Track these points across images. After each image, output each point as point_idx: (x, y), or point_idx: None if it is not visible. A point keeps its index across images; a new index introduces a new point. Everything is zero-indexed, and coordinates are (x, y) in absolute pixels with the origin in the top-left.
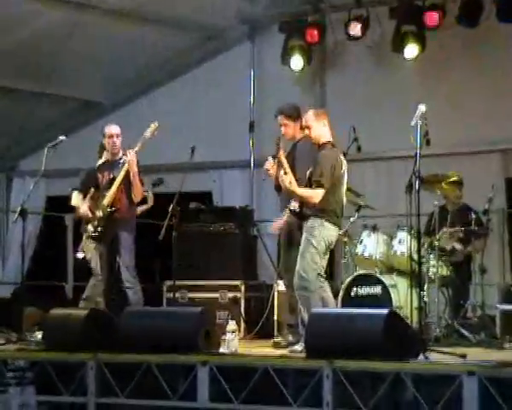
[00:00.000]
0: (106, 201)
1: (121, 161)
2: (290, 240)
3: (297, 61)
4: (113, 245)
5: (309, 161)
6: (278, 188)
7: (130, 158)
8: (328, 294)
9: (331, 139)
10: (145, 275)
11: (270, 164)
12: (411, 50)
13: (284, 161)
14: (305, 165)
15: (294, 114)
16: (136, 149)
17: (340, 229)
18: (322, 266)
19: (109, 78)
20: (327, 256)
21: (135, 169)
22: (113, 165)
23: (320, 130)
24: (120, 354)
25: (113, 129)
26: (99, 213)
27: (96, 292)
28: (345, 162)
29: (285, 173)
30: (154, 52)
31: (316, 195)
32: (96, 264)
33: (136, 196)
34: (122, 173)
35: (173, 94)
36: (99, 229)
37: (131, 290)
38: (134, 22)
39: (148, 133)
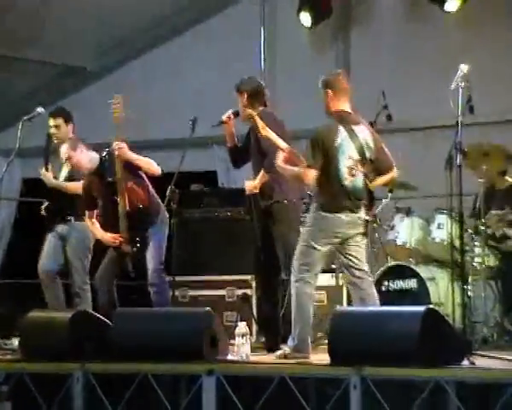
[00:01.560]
0: (121, 205)
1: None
2: None
3: (318, 16)
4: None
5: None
6: (234, 151)
7: (117, 148)
8: (309, 290)
9: (339, 108)
10: (139, 270)
11: (227, 116)
12: (453, 2)
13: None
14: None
15: (238, 86)
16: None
17: (348, 212)
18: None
19: (94, 39)
20: (324, 248)
21: (130, 155)
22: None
23: (324, 100)
24: (112, 364)
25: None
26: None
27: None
28: (343, 132)
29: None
30: (146, 9)
31: (306, 174)
32: None
33: (151, 170)
34: (119, 171)
35: (169, 57)
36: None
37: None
38: None
39: (115, 113)
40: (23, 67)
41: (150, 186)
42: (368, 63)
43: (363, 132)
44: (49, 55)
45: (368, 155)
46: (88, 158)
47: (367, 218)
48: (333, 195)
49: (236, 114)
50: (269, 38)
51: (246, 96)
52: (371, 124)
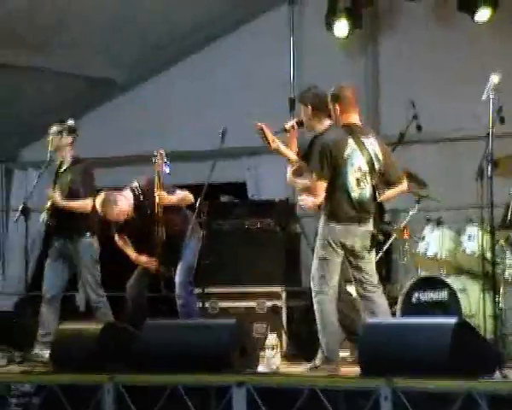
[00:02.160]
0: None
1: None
2: None
3: (347, 26)
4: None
5: None
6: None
7: (159, 198)
8: (330, 302)
9: (349, 121)
10: (169, 281)
11: (290, 124)
12: (483, 13)
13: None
14: None
15: (304, 99)
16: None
17: (355, 224)
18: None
19: (123, 52)
20: (335, 258)
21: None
22: None
23: (334, 115)
24: (142, 375)
25: None
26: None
27: None
28: (352, 144)
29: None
30: (174, 21)
31: (315, 187)
32: None
33: (184, 200)
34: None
35: (198, 69)
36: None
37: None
38: None
39: (158, 167)
40: (53, 79)
41: (184, 208)
42: (397, 73)
43: (373, 144)
44: (78, 67)
45: (377, 166)
46: (127, 202)
47: (374, 231)
48: (341, 206)
49: (300, 123)
50: (297, 49)
51: (310, 107)
52: (401, 134)
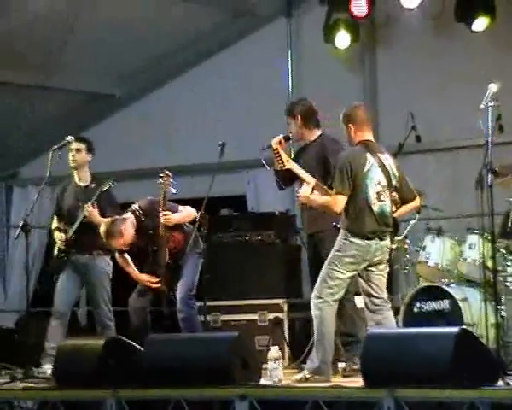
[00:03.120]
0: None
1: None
2: None
3: (343, 38)
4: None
5: (317, 167)
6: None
7: (164, 219)
8: (332, 314)
9: (364, 138)
10: (171, 295)
11: (277, 140)
12: (480, 22)
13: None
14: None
15: (292, 112)
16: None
17: (377, 239)
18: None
19: (122, 66)
20: (350, 273)
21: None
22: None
23: (348, 135)
24: (144, 390)
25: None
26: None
27: None
28: (371, 159)
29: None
30: (172, 35)
31: (335, 201)
32: None
33: (188, 218)
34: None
35: (197, 83)
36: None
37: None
38: (149, 1)
39: (164, 188)
40: (48, 96)
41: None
42: (395, 84)
43: (388, 160)
44: (77, 82)
45: (394, 182)
46: (131, 230)
47: (392, 246)
48: (362, 219)
49: (287, 138)
50: (296, 61)
51: (299, 118)
52: (400, 145)
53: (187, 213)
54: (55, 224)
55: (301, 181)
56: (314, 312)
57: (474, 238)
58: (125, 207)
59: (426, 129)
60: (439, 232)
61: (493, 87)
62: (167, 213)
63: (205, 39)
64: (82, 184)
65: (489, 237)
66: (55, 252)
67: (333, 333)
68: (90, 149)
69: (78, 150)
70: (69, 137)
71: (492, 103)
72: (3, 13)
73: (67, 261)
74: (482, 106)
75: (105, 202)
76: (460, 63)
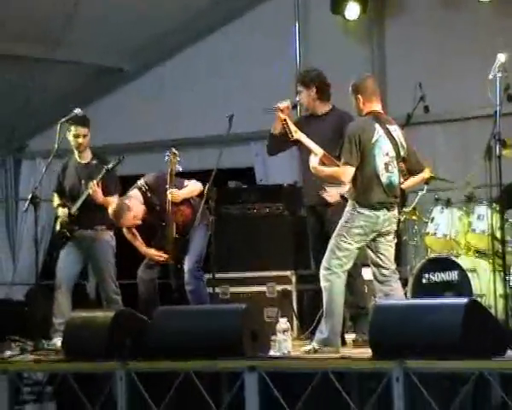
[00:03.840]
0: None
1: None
2: None
3: (352, 9)
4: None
5: (333, 138)
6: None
7: (172, 196)
8: (342, 285)
9: (372, 109)
10: (179, 268)
11: (285, 105)
12: None
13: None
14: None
15: (307, 81)
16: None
17: (384, 209)
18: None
19: (130, 40)
20: (359, 244)
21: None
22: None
23: (357, 106)
24: (154, 362)
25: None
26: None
27: None
28: (379, 130)
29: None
30: (181, 6)
31: (344, 172)
32: None
33: (194, 192)
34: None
35: (205, 55)
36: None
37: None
38: None
39: (171, 166)
40: (59, 69)
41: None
42: (403, 55)
43: (397, 131)
44: (84, 56)
45: (402, 153)
46: (139, 206)
47: (400, 217)
48: (370, 190)
49: (294, 106)
50: (303, 34)
51: (315, 89)
52: (408, 116)
53: (193, 187)
54: (56, 201)
55: (308, 151)
56: (323, 283)
57: (482, 209)
58: (133, 180)
59: (434, 100)
60: (448, 203)
61: (502, 57)
62: (174, 190)
63: (212, 12)
64: (83, 161)
65: (497, 208)
66: (58, 228)
67: (342, 304)
68: (89, 128)
69: (85, 136)
70: (77, 110)
71: (501, 74)
72: None
73: (70, 237)
74: (491, 76)
75: (109, 181)
76: (468, 34)
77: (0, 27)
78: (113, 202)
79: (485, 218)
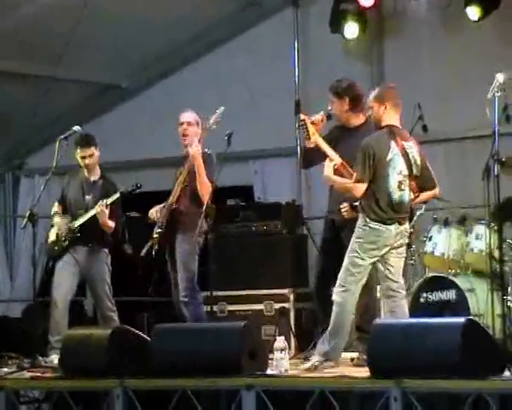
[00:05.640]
0: (171, 200)
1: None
2: None
3: (351, 29)
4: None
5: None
6: (310, 151)
7: (194, 150)
8: (354, 302)
9: (391, 123)
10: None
11: (318, 119)
12: (474, 11)
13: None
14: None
15: (340, 92)
16: (199, 138)
17: (396, 224)
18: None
19: (128, 57)
20: (372, 260)
21: (200, 161)
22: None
23: (377, 114)
24: (151, 380)
25: (183, 116)
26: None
27: None
28: (394, 148)
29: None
30: (180, 26)
31: (355, 187)
32: None
33: (203, 193)
34: (185, 169)
35: (204, 73)
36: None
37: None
38: None
39: (212, 120)
40: (56, 87)
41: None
42: (402, 75)
43: (412, 149)
44: (83, 73)
45: (415, 171)
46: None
47: (411, 230)
48: (381, 207)
49: (329, 117)
50: (302, 52)
51: (348, 101)
52: None
53: (208, 183)
54: (55, 208)
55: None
56: (336, 298)
57: (480, 228)
58: (134, 197)
59: (433, 119)
60: (446, 222)
61: (500, 77)
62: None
63: (211, 31)
64: (91, 178)
65: (496, 228)
66: (53, 237)
67: (350, 322)
68: (96, 146)
69: (91, 155)
70: (76, 127)
71: (499, 93)
72: (13, 4)
73: (65, 249)
74: (489, 96)
75: (117, 206)
76: (466, 55)
77: (0, 45)
78: (112, 226)
79: (483, 237)
